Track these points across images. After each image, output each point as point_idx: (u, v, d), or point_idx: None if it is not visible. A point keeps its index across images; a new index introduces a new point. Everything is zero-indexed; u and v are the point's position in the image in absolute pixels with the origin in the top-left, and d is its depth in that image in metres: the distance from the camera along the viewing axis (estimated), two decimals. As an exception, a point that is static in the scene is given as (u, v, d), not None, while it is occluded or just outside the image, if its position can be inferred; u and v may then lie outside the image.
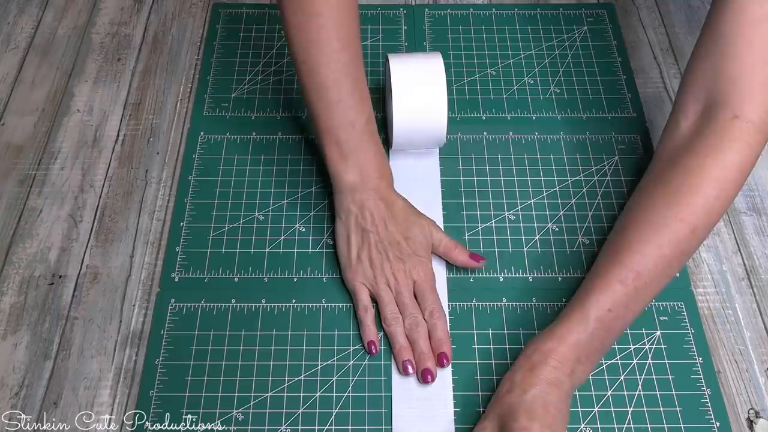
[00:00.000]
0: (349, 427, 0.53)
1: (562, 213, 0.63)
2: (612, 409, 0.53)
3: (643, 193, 0.54)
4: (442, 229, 0.61)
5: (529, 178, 0.66)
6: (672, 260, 0.51)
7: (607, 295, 0.50)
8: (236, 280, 0.59)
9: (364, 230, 0.57)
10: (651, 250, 0.50)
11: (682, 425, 0.52)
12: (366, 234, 0.57)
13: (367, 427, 0.53)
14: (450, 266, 0.60)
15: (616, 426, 0.52)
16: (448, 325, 0.57)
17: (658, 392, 0.54)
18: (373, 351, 0.55)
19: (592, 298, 0.50)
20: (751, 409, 0.54)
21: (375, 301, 0.57)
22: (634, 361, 0.55)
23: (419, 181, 0.65)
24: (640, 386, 0.54)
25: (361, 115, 0.57)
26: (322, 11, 0.54)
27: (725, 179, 0.50)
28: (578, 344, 0.49)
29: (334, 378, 0.55)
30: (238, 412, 0.53)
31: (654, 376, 0.54)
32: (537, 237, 0.62)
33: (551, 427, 0.46)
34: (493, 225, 0.63)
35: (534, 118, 0.70)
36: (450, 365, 0.55)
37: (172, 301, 0.58)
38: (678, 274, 0.59)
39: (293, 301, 0.58)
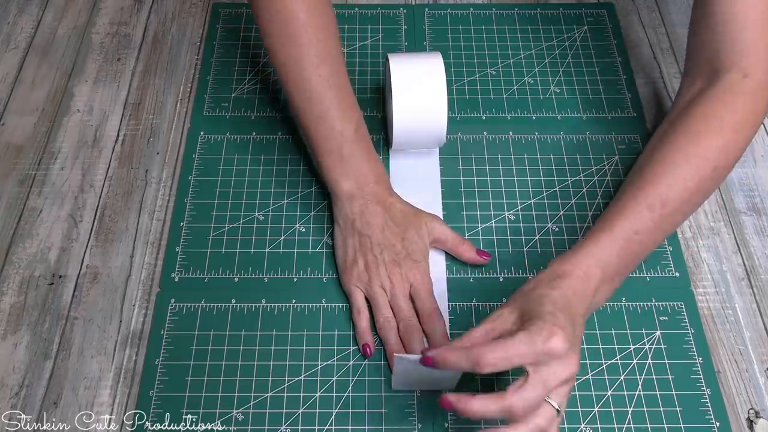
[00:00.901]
0: (349, 427, 0.53)
1: (562, 213, 0.63)
2: (612, 409, 0.53)
3: (664, 136, 0.56)
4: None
5: (529, 178, 0.66)
6: (694, 195, 0.53)
7: (635, 219, 0.51)
8: (236, 280, 0.59)
9: (362, 234, 0.57)
10: (677, 181, 0.53)
11: (682, 425, 0.52)
12: (363, 238, 0.57)
13: (367, 427, 0.53)
14: (450, 266, 0.60)
15: (616, 426, 0.52)
16: (448, 326, 0.57)
17: (658, 392, 0.54)
18: (368, 353, 0.55)
19: (620, 220, 0.51)
20: (751, 409, 0.54)
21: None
22: (634, 361, 0.55)
23: (419, 181, 0.65)
24: (640, 386, 0.54)
25: (350, 124, 0.58)
26: (297, 32, 0.56)
27: (742, 125, 0.54)
28: (606, 262, 0.50)
29: (334, 378, 0.55)
30: (238, 412, 0.53)
31: (654, 376, 0.54)
32: (537, 237, 0.62)
33: (572, 325, 0.44)
34: (493, 225, 0.63)
35: (534, 118, 0.70)
36: None
37: (172, 301, 0.58)
38: (678, 274, 0.60)
39: (293, 301, 0.58)
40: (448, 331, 0.56)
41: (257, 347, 0.56)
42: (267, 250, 0.61)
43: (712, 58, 0.56)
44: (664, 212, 0.52)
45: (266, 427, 0.52)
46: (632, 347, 0.56)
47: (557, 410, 0.43)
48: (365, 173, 0.58)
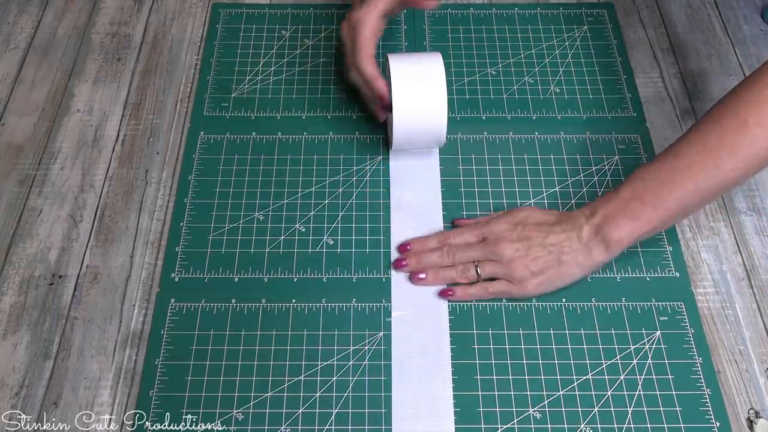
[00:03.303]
0: (349, 427, 0.53)
1: (562, 213, 0.63)
2: (612, 409, 0.53)
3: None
4: (442, 227, 0.62)
5: (529, 178, 0.65)
6: (712, 149, 0.51)
7: (645, 167, 0.54)
8: (236, 280, 0.59)
9: None
10: (692, 134, 0.53)
11: (682, 425, 0.52)
12: None
13: (367, 427, 0.53)
14: (450, 266, 0.60)
15: (616, 426, 0.52)
16: (448, 326, 0.57)
17: (658, 392, 0.54)
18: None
19: (634, 172, 0.55)
20: (751, 409, 0.54)
21: None
22: (634, 361, 0.55)
23: (419, 181, 0.65)
24: (640, 386, 0.54)
25: None
26: None
27: None
28: (609, 201, 0.55)
29: (334, 378, 0.55)
30: (238, 412, 0.53)
31: (654, 376, 0.54)
32: (537, 237, 0.62)
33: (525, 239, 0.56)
34: (493, 225, 0.63)
35: (534, 118, 0.70)
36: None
37: (172, 301, 0.58)
38: (678, 274, 0.59)
39: (293, 301, 0.58)
40: (448, 331, 0.57)
41: (257, 347, 0.56)
42: (267, 250, 0.61)
43: None
44: (675, 163, 0.52)
45: (266, 427, 0.52)
46: (632, 347, 0.56)
47: (478, 274, 0.57)
48: None
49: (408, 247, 0.60)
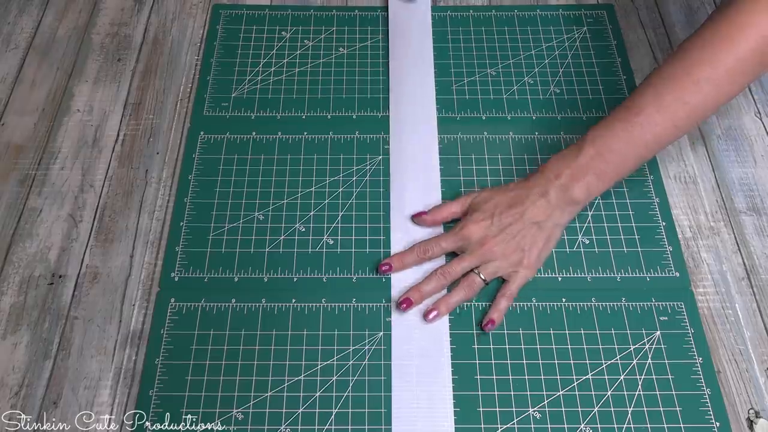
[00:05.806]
0: (349, 427, 0.53)
1: (562, 213, 0.63)
2: (612, 409, 0.53)
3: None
4: (442, 228, 0.62)
5: (529, 178, 0.66)
6: (670, 108, 0.54)
7: (604, 126, 0.56)
8: (236, 279, 0.59)
9: None
10: (648, 94, 0.55)
11: (682, 425, 0.52)
12: None
13: (367, 427, 0.53)
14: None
15: (616, 426, 0.52)
16: (449, 325, 0.57)
17: (658, 392, 0.54)
18: None
19: (591, 130, 0.57)
20: (751, 409, 0.54)
21: None
22: (634, 361, 0.55)
23: (419, 181, 0.65)
24: (640, 386, 0.54)
25: None
26: None
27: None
28: (574, 161, 0.56)
29: (334, 378, 0.55)
30: (238, 412, 0.53)
31: (654, 376, 0.55)
32: (537, 237, 0.62)
33: (492, 217, 0.57)
34: (493, 225, 0.63)
35: (534, 118, 0.70)
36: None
37: (172, 300, 0.58)
38: (678, 274, 0.60)
39: (293, 301, 0.58)
40: (448, 331, 0.57)
41: (257, 347, 0.56)
42: (267, 249, 0.61)
43: None
44: (638, 119, 0.54)
45: (266, 427, 0.52)
46: (632, 347, 0.56)
47: (483, 279, 0.57)
48: None
49: (383, 268, 0.59)
